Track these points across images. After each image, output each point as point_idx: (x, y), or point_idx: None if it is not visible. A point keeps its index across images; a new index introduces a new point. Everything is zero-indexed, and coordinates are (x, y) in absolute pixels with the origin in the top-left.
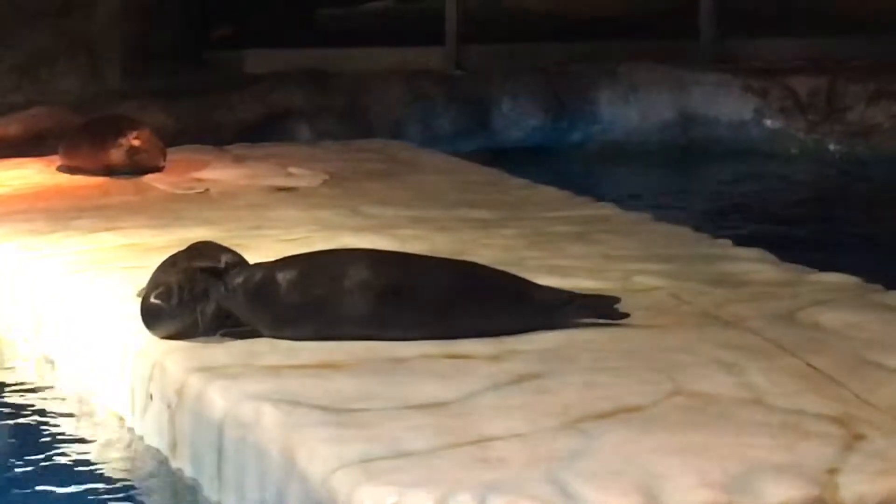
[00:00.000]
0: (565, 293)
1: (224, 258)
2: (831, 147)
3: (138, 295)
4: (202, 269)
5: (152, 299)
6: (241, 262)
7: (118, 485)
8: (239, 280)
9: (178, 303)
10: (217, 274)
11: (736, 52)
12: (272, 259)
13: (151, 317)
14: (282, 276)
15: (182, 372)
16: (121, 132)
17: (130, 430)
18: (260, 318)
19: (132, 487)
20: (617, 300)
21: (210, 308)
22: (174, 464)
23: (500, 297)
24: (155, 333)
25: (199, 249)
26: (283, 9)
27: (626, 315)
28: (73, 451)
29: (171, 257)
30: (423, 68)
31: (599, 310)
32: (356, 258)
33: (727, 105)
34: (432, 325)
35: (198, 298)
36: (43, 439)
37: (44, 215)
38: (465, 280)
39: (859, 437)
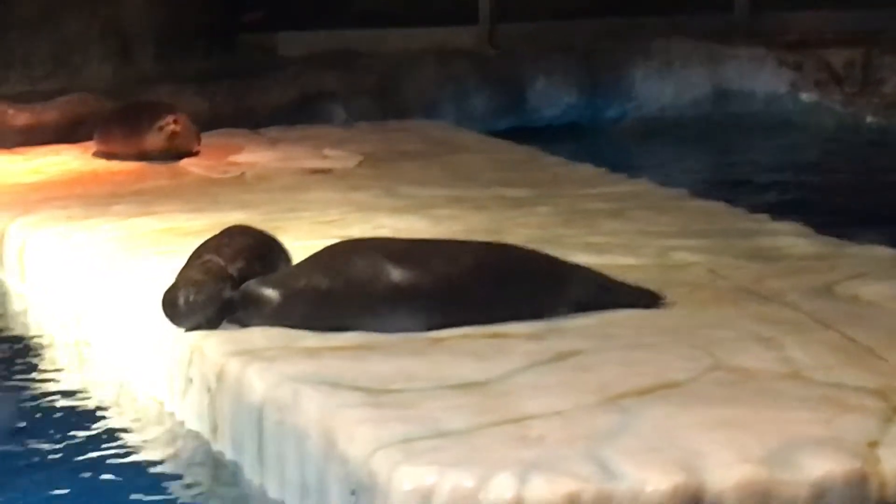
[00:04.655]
0: (604, 284)
1: (238, 251)
2: (868, 119)
3: None
4: (217, 259)
5: (168, 296)
6: (258, 251)
7: (159, 468)
8: (252, 300)
9: (193, 300)
10: (233, 264)
11: (770, 26)
12: (308, 242)
13: (169, 314)
14: (297, 291)
15: (221, 356)
16: (157, 117)
17: (171, 414)
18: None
19: (174, 471)
20: (661, 297)
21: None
22: (215, 447)
23: (534, 291)
24: (177, 326)
25: (231, 234)
26: None
27: (664, 299)
28: (113, 436)
29: (200, 246)
30: (456, 48)
31: (640, 302)
32: (370, 251)
33: (762, 79)
34: (461, 315)
35: (212, 295)
36: (83, 425)
37: (80, 201)
38: (495, 272)
39: None
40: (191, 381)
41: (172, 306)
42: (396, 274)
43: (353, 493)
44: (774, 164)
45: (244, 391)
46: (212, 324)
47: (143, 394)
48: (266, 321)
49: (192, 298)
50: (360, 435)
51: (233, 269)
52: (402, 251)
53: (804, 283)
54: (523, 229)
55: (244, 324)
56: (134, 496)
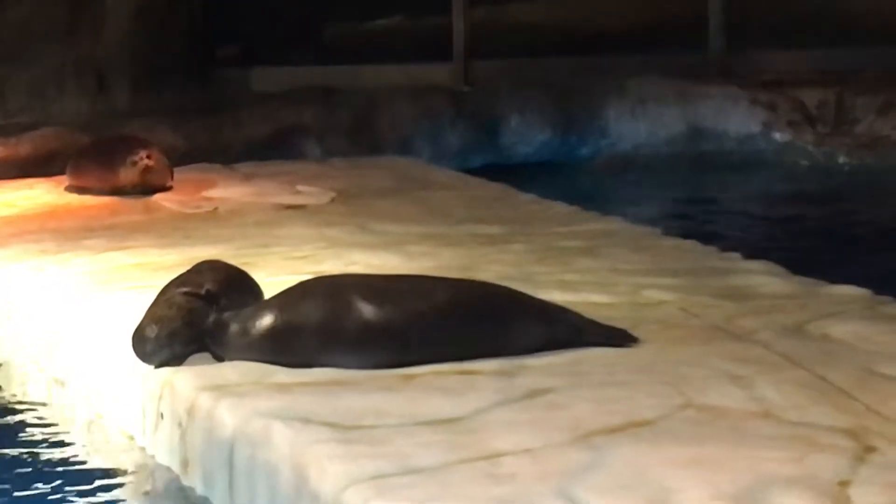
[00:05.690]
0: (576, 322)
1: (206, 286)
2: (840, 159)
3: None
4: (184, 294)
5: (136, 334)
6: (227, 286)
7: (130, 503)
8: (222, 335)
9: (160, 337)
10: (201, 298)
11: (743, 65)
12: (280, 278)
13: (137, 352)
14: (267, 326)
15: (192, 390)
16: (130, 151)
17: (141, 449)
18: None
19: None
20: (633, 339)
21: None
22: (185, 482)
23: (506, 328)
24: (146, 364)
25: (201, 269)
26: (290, 26)
27: (636, 340)
28: (84, 472)
29: (170, 282)
30: (430, 84)
31: (611, 341)
32: (343, 288)
33: (735, 118)
34: (433, 352)
35: (179, 331)
36: (54, 460)
37: (53, 235)
38: (468, 309)
39: (870, 449)
40: (162, 415)
41: (140, 344)
42: (368, 310)
43: None
44: (747, 204)
45: (215, 426)
46: (181, 358)
47: (114, 428)
48: (236, 356)
49: (158, 335)
50: (331, 471)
51: (202, 304)
52: (374, 287)
53: (776, 322)
54: (496, 266)
55: (217, 356)
56: None
